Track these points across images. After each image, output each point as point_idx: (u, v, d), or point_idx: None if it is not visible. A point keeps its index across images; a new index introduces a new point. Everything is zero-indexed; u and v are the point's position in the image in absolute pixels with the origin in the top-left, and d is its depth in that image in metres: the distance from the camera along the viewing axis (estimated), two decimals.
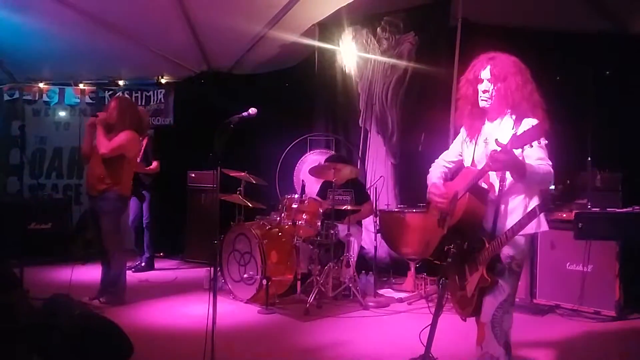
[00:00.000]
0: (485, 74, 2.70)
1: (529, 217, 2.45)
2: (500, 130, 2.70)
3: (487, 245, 2.57)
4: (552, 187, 2.49)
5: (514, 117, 2.67)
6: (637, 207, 4.65)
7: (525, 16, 5.73)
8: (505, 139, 2.45)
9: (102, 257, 5.11)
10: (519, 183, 2.56)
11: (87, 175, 5.23)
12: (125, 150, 4.95)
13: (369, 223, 6.11)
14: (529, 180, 2.51)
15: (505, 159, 2.42)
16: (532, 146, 2.37)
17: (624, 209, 4.68)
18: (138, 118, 5.22)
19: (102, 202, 4.94)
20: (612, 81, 5.53)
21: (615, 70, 5.55)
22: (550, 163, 2.55)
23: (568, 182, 2.26)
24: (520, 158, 2.51)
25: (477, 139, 2.81)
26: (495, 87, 2.67)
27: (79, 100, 8.61)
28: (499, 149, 2.44)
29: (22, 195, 8.14)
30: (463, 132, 2.95)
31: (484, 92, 2.71)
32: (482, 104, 2.73)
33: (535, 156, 2.53)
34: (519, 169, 2.46)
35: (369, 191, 6.02)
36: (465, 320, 2.84)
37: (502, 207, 2.64)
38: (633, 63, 5.46)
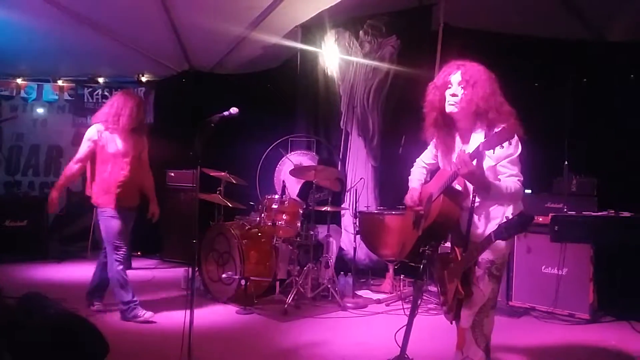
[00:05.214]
0: (456, 77, 2.66)
1: (487, 242, 2.48)
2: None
3: (459, 258, 2.60)
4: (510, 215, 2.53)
5: (484, 131, 2.62)
6: (612, 211, 4.74)
7: (505, 22, 5.80)
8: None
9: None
10: (483, 199, 2.60)
11: (128, 190, 4.75)
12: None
13: (348, 224, 6.13)
14: (493, 198, 2.56)
15: (472, 168, 2.44)
16: (502, 147, 2.35)
17: (599, 213, 4.76)
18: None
19: (135, 212, 4.83)
20: (589, 87, 5.62)
21: (592, 77, 5.64)
22: (522, 179, 2.57)
23: (523, 213, 2.35)
24: (489, 168, 2.56)
25: (453, 156, 2.76)
26: (465, 92, 2.62)
27: (57, 97, 8.51)
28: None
29: None
30: (432, 146, 2.98)
31: (453, 95, 2.65)
32: (449, 108, 2.68)
33: (508, 172, 2.56)
34: (485, 186, 2.51)
35: (348, 192, 6.03)
36: (452, 324, 2.86)
37: (482, 213, 2.66)
38: (610, 70, 5.56)
